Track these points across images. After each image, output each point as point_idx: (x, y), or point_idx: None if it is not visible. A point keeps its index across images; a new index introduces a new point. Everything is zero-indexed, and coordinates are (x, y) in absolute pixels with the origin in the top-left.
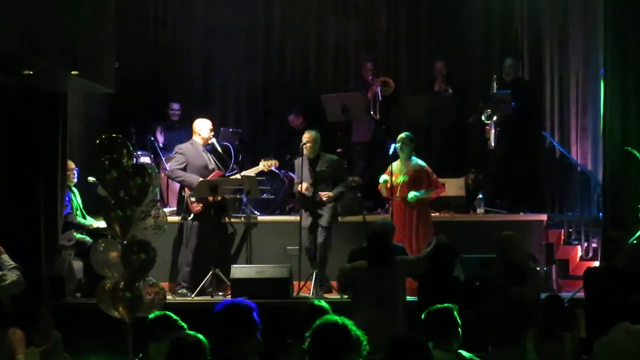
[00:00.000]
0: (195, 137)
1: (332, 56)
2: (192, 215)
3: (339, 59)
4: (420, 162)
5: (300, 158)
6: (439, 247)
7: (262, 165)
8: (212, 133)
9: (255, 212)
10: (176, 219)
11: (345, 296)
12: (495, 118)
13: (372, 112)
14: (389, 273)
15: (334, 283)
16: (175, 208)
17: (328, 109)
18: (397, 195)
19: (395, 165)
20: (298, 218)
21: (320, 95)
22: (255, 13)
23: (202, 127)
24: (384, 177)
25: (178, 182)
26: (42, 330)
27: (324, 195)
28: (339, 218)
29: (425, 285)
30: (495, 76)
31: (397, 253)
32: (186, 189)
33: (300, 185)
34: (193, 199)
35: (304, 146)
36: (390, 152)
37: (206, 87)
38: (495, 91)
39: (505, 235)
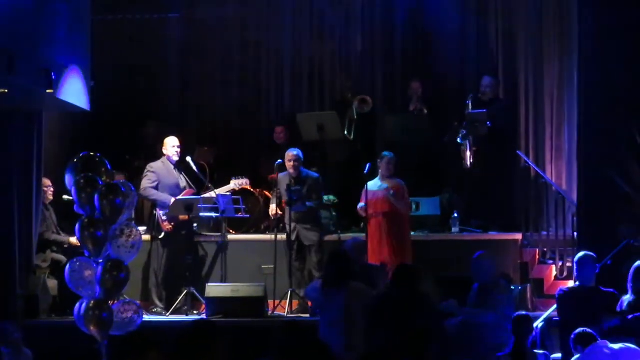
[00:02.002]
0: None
1: (307, 76)
2: (162, 234)
3: (314, 79)
4: (399, 180)
5: (286, 173)
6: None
7: (234, 184)
8: (177, 150)
9: (230, 231)
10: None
11: None
12: (470, 138)
13: (346, 133)
14: (342, 295)
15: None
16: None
17: (303, 128)
18: (379, 210)
19: (373, 183)
20: (273, 237)
21: (296, 115)
22: (230, 33)
23: (167, 145)
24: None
25: (150, 200)
26: (13, 349)
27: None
28: None
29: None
30: (471, 95)
31: (375, 273)
32: (157, 208)
33: (276, 207)
34: (164, 218)
35: (289, 165)
36: (366, 171)
37: (182, 106)
38: (470, 111)
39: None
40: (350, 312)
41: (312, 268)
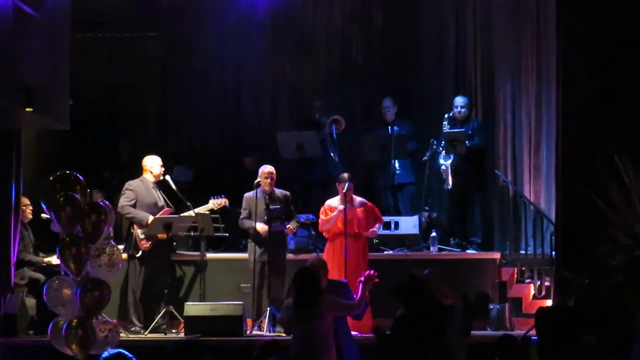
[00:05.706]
0: (145, 175)
1: (287, 95)
2: (140, 253)
3: (294, 98)
4: (362, 199)
5: (255, 192)
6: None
7: (212, 204)
8: (163, 169)
9: (209, 249)
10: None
11: None
12: (452, 158)
13: (332, 154)
14: (314, 312)
15: None
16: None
17: (282, 147)
18: (350, 231)
19: (336, 201)
20: (251, 255)
21: (276, 133)
22: (209, 51)
23: (154, 164)
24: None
25: (128, 218)
26: None
27: (291, 229)
28: (293, 255)
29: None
30: (446, 115)
31: (341, 289)
32: (135, 226)
33: (256, 225)
34: (142, 236)
35: (266, 182)
36: (345, 189)
37: (161, 124)
38: (448, 129)
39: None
40: (326, 326)
41: (282, 286)
